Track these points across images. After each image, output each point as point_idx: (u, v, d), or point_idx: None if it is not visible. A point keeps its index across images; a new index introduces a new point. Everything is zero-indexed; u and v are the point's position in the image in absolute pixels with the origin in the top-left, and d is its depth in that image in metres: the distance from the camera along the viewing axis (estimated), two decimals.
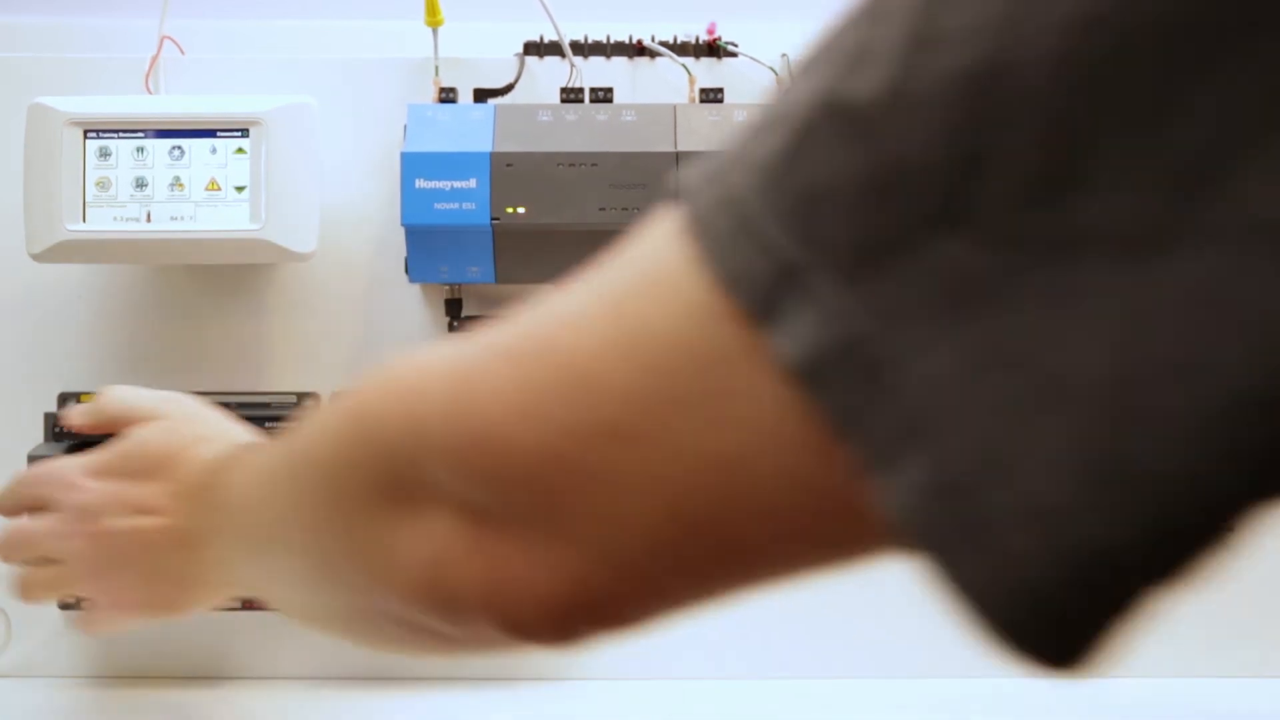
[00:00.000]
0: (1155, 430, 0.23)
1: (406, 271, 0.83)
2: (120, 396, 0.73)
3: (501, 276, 0.83)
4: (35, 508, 0.67)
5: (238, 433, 0.65)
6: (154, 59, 0.87)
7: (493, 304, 0.89)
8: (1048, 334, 0.24)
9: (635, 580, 0.32)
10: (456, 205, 0.80)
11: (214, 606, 0.68)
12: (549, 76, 0.88)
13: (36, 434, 0.86)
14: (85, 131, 0.81)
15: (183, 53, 0.89)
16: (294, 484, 0.43)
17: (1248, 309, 0.22)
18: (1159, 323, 0.23)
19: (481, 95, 0.87)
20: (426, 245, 0.82)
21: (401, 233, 0.82)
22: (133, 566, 0.64)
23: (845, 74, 0.26)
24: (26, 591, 0.68)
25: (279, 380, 0.89)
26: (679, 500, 0.30)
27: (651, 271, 0.30)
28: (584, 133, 0.82)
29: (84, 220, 0.81)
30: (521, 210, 0.80)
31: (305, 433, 0.42)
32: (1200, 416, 0.23)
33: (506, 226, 0.80)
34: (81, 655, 0.88)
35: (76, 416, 0.72)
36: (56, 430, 0.85)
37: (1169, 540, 0.24)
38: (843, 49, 0.27)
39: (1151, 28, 0.23)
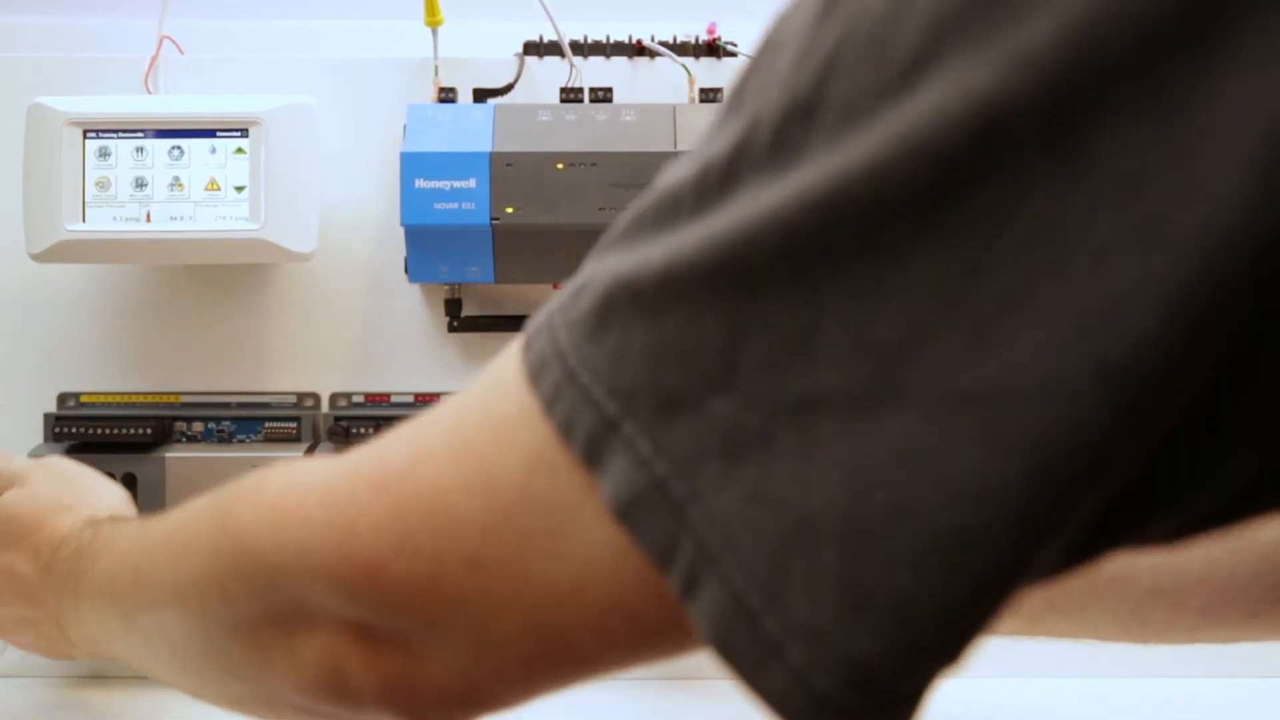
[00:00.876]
0: (884, 561, 0.27)
1: (406, 271, 0.83)
2: None
3: (501, 276, 0.83)
4: None
5: (104, 495, 0.68)
6: (153, 59, 0.87)
7: (493, 304, 0.89)
8: (798, 480, 0.27)
9: (510, 681, 0.35)
10: (456, 205, 0.80)
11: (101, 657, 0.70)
12: (549, 76, 0.88)
13: (36, 434, 0.86)
14: (85, 131, 0.81)
15: (182, 53, 0.89)
16: (172, 593, 0.44)
17: (935, 463, 0.26)
18: (875, 473, 0.27)
19: (481, 95, 0.87)
20: (426, 245, 0.82)
21: (401, 233, 0.82)
22: (10, 608, 0.66)
23: (634, 250, 0.31)
24: None
25: (279, 380, 0.89)
26: (534, 622, 0.33)
27: (499, 416, 0.33)
28: (584, 133, 0.81)
29: (83, 220, 0.81)
30: (521, 210, 0.80)
31: (180, 539, 0.43)
32: (915, 550, 0.26)
33: (506, 226, 0.80)
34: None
35: None
36: (57, 430, 0.85)
37: (918, 647, 0.27)
38: (635, 224, 0.32)
39: (855, 233, 0.27)
